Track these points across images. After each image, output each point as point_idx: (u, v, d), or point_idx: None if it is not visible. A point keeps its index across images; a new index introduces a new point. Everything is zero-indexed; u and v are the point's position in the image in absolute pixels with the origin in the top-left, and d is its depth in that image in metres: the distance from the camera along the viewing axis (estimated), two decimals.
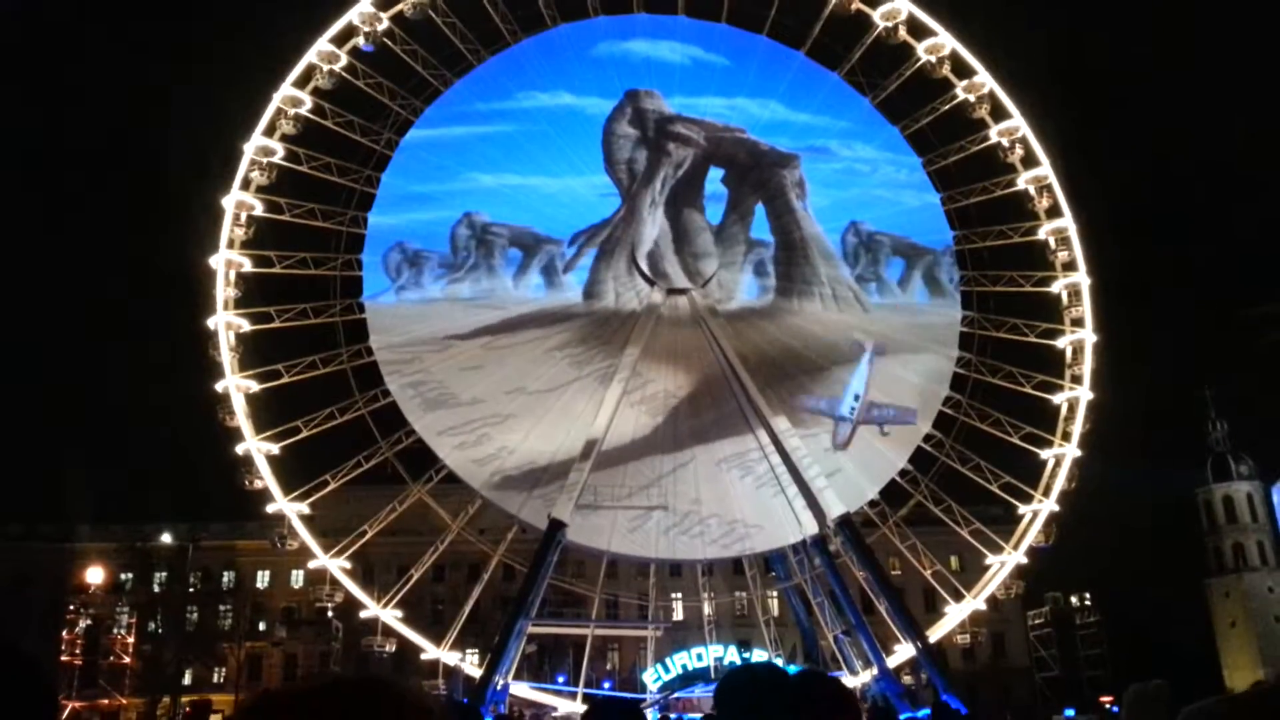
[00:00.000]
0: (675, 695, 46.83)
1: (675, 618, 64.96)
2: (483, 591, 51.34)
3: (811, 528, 48.03)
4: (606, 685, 64.44)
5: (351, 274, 47.57)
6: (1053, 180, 51.88)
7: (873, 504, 50.40)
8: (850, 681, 49.34)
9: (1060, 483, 49.47)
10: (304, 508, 45.92)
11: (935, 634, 50.39)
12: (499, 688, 44.43)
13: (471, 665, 49.30)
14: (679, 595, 66.60)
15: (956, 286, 52.52)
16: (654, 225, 50.84)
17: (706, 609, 56.87)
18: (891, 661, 48.12)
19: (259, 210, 46.93)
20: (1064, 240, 51.72)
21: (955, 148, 52.94)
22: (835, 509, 47.55)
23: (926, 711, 37.28)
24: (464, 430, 46.92)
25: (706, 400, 49.17)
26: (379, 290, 48.05)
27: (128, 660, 74.02)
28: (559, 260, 49.87)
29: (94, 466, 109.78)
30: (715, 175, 52.04)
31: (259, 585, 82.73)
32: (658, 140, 51.42)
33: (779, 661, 49.26)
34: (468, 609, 49.43)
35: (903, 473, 49.87)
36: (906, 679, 51.35)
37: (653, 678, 48.68)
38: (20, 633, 64.89)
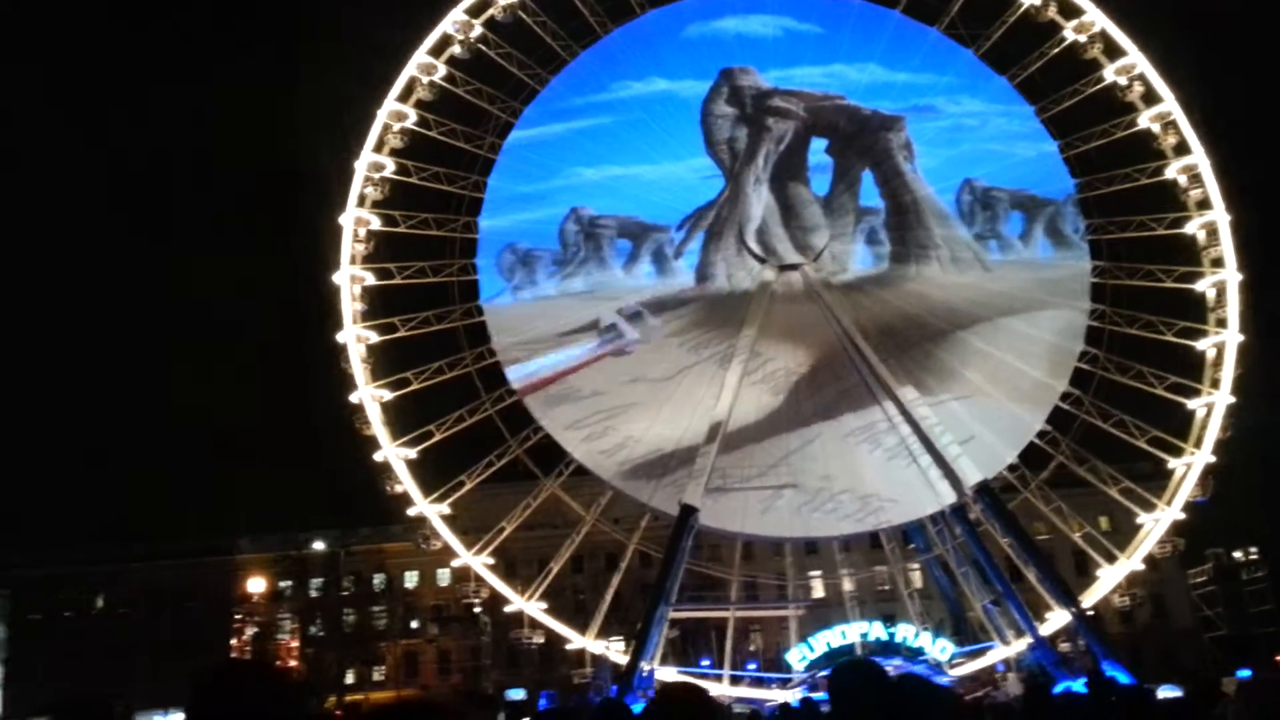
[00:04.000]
0: (822, 674, 46.40)
1: (815, 596, 64.26)
2: (621, 580, 51.90)
3: (949, 497, 46.84)
4: (752, 667, 64.30)
5: (468, 279, 48.72)
6: (1177, 115, 49.01)
7: (1012, 468, 48.73)
8: (1003, 652, 48.09)
9: (1213, 432, 46.85)
10: (444, 508, 47.31)
11: (1090, 599, 48.51)
12: (644, 674, 44.89)
13: (616, 653, 49.95)
14: (817, 573, 65.91)
15: (1083, 236, 50.25)
16: (760, 202, 50.36)
17: (846, 585, 56.07)
18: (1044, 629, 46.57)
19: (376, 224, 48.48)
20: (1195, 177, 48.84)
21: (1069, 92, 50.53)
22: (972, 476, 46.24)
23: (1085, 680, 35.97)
24: (589, 423, 47.51)
25: (828, 374, 48.46)
26: (496, 292, 49.06)
27: (294, 664, 77.90)
28: (668, 247, 49.93)
29: (251, 480, 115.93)
30: (818, 146, 51.13)
31: (409, 585, 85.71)
32: (756, 117, 50.83)
33: (927, 635, 48.29)
34: (608, 598, 50.06)
35: (1041, 434, 48.08)
36: (1064, 646, 49.58)
37: (798, 658, 48.35)
38: (193, 641, 69.07)
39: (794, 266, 49.56)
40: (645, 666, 44.96)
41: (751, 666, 64.48)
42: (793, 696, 41.09)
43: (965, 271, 50.31)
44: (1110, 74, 49.64)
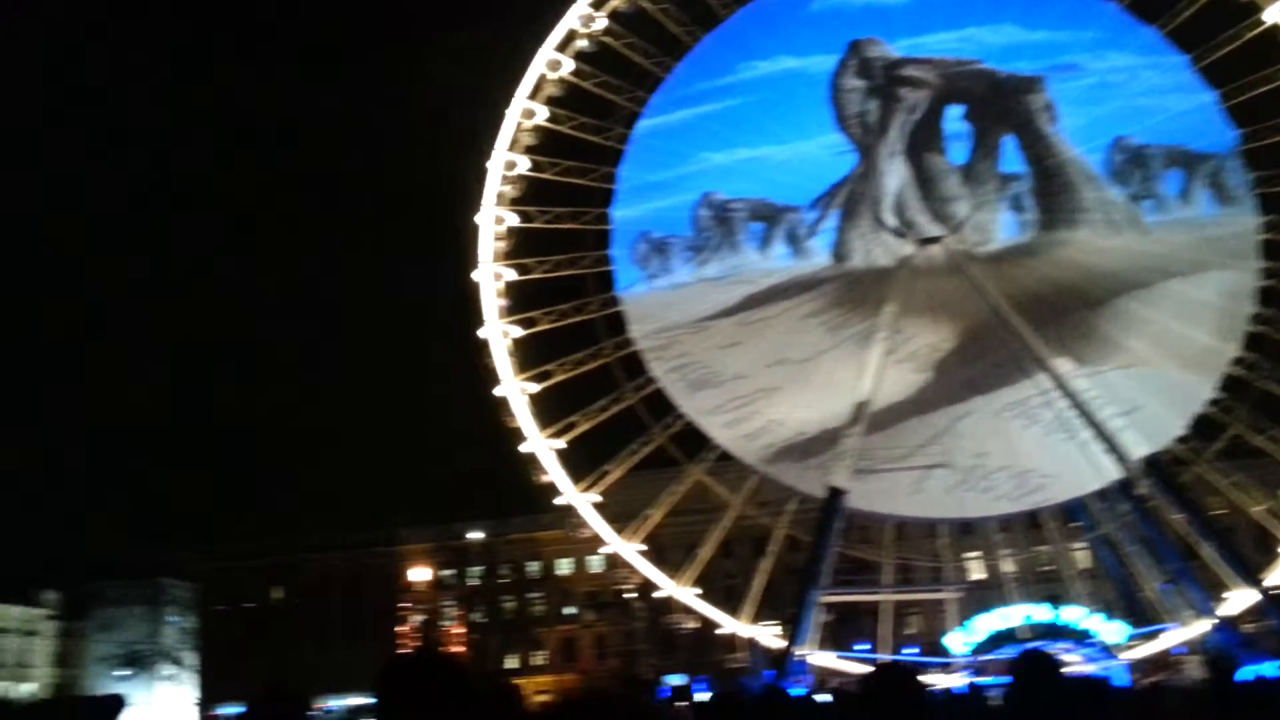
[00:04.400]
0: (986, 657, 45.07)
1: (972, 578, 62.27)
2: (771, 564, 51.68)
3: (1113, 472, 44.55)
4: (910, 651, 62.91)
5: (604, 269, 49.31)
6: None
7: (1182, 440, 45.95)
8: (1182, 634, 45.51)
9: None
10: (592, 496, 48.15)
11: (1273, 577, 45.33)
12: (799, 659, 44.63)
13: (770, 637, 49.80)
14: (974, 554, 63.86)
15: (1249, 191, 46.77)
16: (896, 176, 48.96)
17: (1006, 566, 54.14)
18: (1222, 610, 43.80)
19: (512, 221, 49.58)
20: None
21: (1225, 39, 47.03)
22: (1138, 449, 43.86)
23: (1275, 663, 33.77)
24: (731, 408, 47.41)
25: (976, 349, 46.78)
26: (632, 281, 49.47)
27: (459, 649, 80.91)
28: (802, 227, 49.18)
29: (411, 475, 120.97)
30: (954, 114, 49.25)
31: (563, 572, 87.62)
32: (888, 88, 49.34)
33: (1097, 617, 46.22)
34: (757, 583, 49.92)
35: (1212, 402, 45.16)
36: (1247, 628, 46.58)
37: (959, 642, 47.07)
38: (364, 629, 72.70)
39: (934, 239, 47.99)
40: (799, 651, 44.73)
41: (910, 651, 63.11)
42: (956, 681, 40.09)
43: (1120, 235, 47.60)
44: (1271, 15, 46.00)
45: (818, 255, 49.04)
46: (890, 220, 48.55)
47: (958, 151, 49.07)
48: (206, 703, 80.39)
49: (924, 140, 49.13)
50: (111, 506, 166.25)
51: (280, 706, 4.05)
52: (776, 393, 47.30)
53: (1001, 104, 48.93)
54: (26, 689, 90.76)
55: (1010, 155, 48.75)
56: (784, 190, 49.27)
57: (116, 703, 2.82)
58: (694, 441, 48.65)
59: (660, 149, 49.85)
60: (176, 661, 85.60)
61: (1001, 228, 48.56)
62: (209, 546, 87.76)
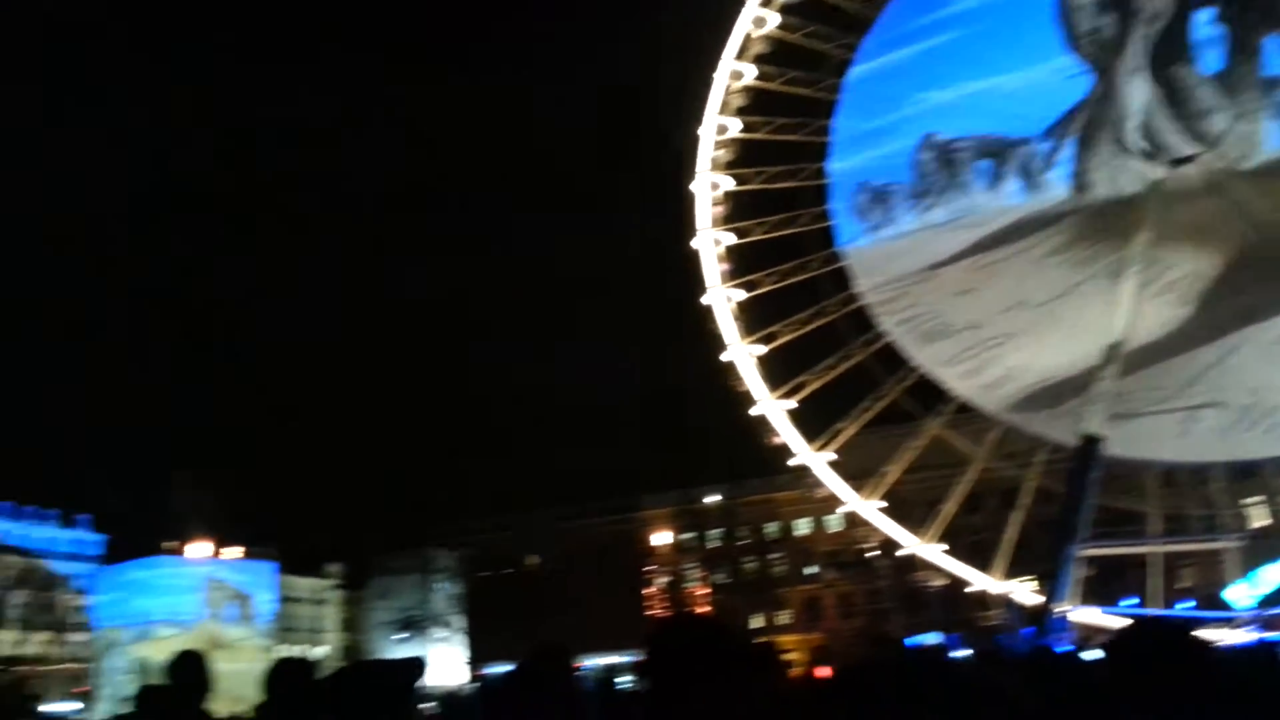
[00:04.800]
0: (1276, 611, 41.25)
1: (1253, 526, 56.96)
2: (1022, 517, 49.36)
3: None
4: (1185, 605, 58.45)
5: (824, 225, 48.36)
6: None
7: None
8: None
9: None
10: (827, 455, 47.67)
11: None
12: (1059, 616, 42.53)
13: (1026, 593, 47.71)
14: (1256, 499, 58.36)
15: None
16: (1139, 94, 44.78)
17: None
18: None
19: (730, 185, 49.45)
20: None
21: None
22: None
23: None
24: (967, 357, 45.43)
25: (1245, 276, 42.29)
26: (854, 235, 48.20)
27: (703, 610, 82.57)
28: (1035, 160, 45.99)
29: (650, 442, 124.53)
30: (1203, 18, 44.44)
31: (802, 532, 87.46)
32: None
33: None
34: (1008, 537, 47.85)
35: None
36: None
37: (1242, 594, 43.29)
38: (612, 593, 75.49)
39: (1189, 159, 43.67)
40: (1059, 608, 42.65)
41: (1185, 605, 58.66)
42: (1240, 637, 37.11)
43: None
44: None
45: (1055, 188, 45.79)
46: (1136, 143, 44.61)
47: (1210, 59, 44.32)
48: (474, 662, 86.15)
49: (1169, 52, 44.64)
50: (383, 483, 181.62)
51: (550, 664, 4.22)
52: (1016, 338, 44.84)
53: (1262, 1, 43.73)
54: (319, 651, 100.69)
55: (1274, 58, 43.55)
56: (1012, 123, 46.24)
57: (419, 665, 3.03)
58: (930, 394, 47.18)
59: (875, 95, 48.09)
60: (447, 624, 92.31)
61: (1268, 139, 43.57)
62: (474, 520, 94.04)
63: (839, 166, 48.27)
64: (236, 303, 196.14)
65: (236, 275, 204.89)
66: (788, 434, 47.59)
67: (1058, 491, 46.53)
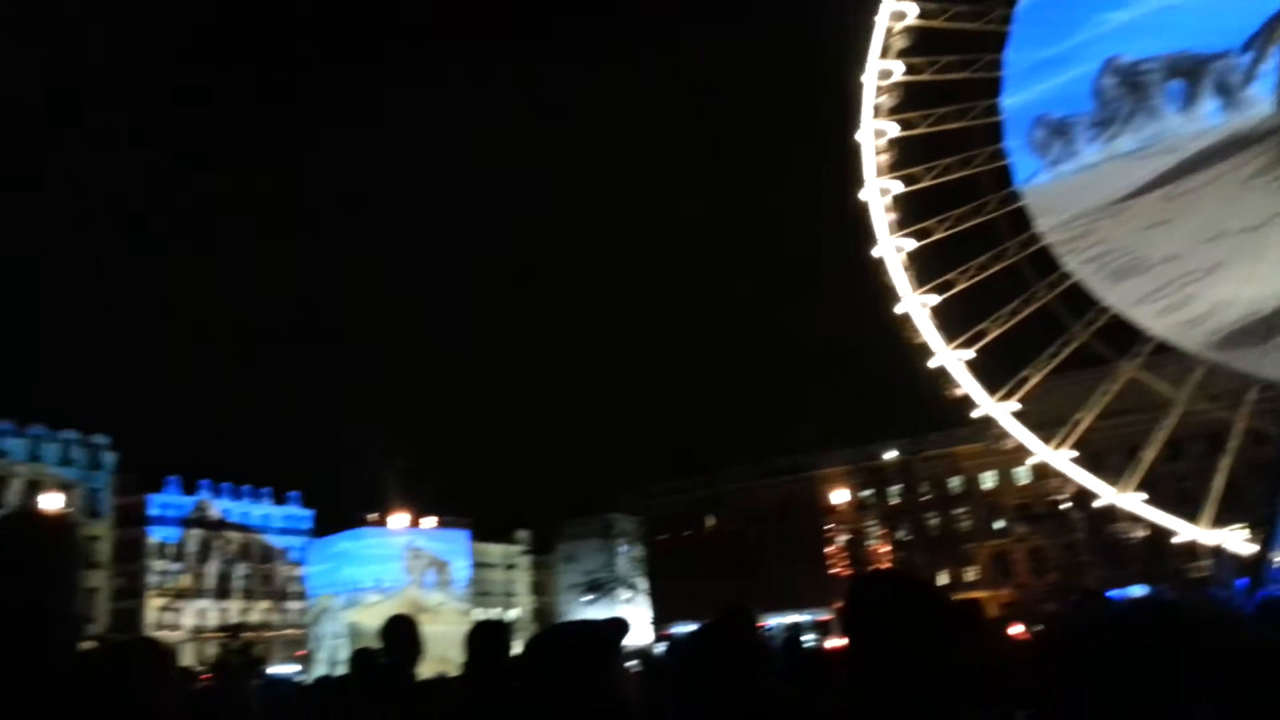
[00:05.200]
0: None
1: None
2: (1231, 461, 46.10)
3: None
4: None
5: (999, 165, 46.08)
6: None
7: None
8: None
9: None
10: (1012, 405, 45.80)
11: None
12: (1276, 565, 39.63)
13: (1236, 543, 44.63)
14: None
15: None
16: None
17: None
18: None
19: (896, 132, 47.76)
20: None
21: None
22: None
23: None
24: (1164, 294, 42.46)
25: None
26: (1032, 172, 45.68)
27: (883, 566, 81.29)
28: (1234, 75, 42.16)
29: (823, 397, 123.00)
30: None
31: (987, 486, 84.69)
32: None
33: None
34: (1217, 483, 44.79)
35: None
36: None
37: None
38: (792, 552, 75.27)
39: None
40: (1277, 557, 39.76)
41: None
42: None
43: None
44: None
45: (1258, 104, 41.88)
46: None
47: None
48: (658, 622, 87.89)
49: None
50: (567, 450, 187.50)
51: (736, 623, 4.20)
52: (1219, 270, 41.54)
53: None
54: (512, 614, 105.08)
55: None
56: (1206, 37, 42.51)
57: (624, 625, 3.10)
58: (1123, 336, 44.50)
59: (1049, 21, 45.20)
60: (631, 586, 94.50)
61: None
62: (654, 484, 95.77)
63: (1012, 101, 45.78)
64: (415, 291, 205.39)
65: (414, 270, 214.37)
66: (969, 385, 45.92)
67: (1270, 433, 43.34)
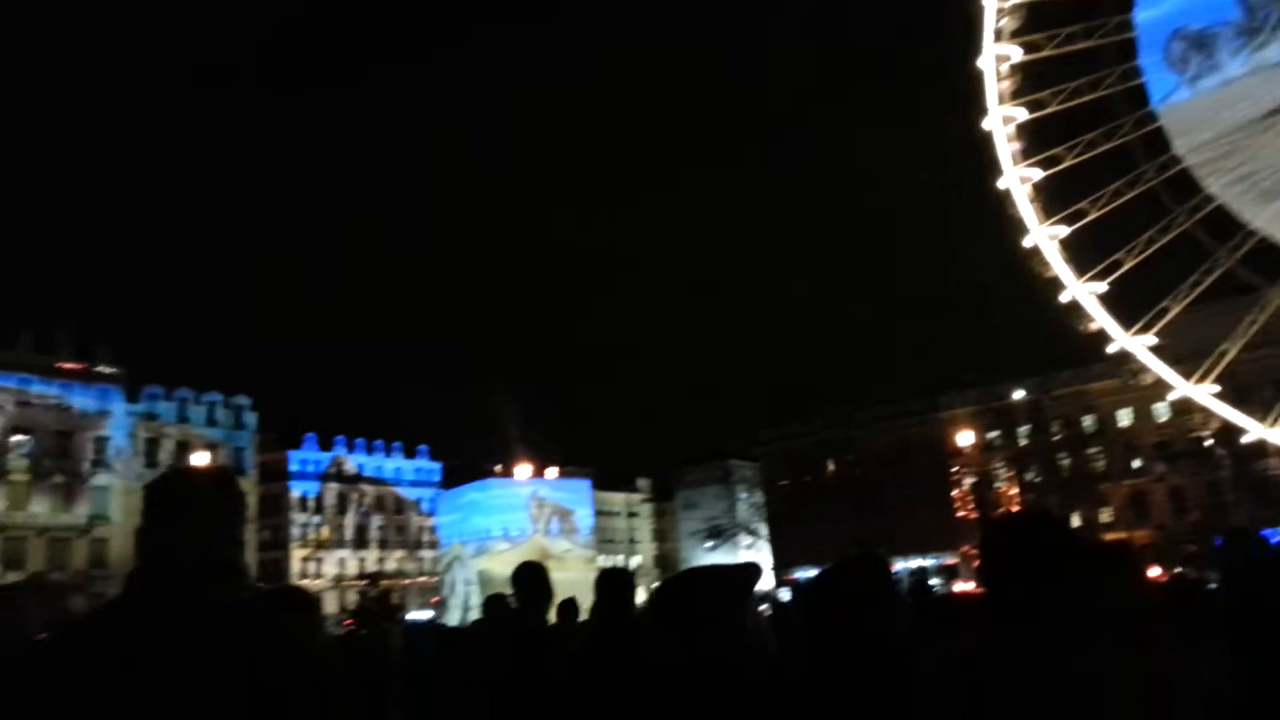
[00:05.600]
0: None
1: None
2: None
3: None
4: None
5: (1133, 84, 43.45)
6: None
7: None
8: None
9: None
10: (1149, 339, 43.63)
11: None
12: None
13: None
14: None
15: None
16: None
17: None
18: None
19: (1019, 56, 45.43)
20: None
21: None
22: None
23: None
24: None
25: None
26: (1169, 90, 42.97)
27: (1015, 509, 79.16)
28: None
29: (945, 336, 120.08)
30: None
31: (1123, 423, 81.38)
32: None
33: None
34: None
35: None
36: None
37: None
38: (915, 496, 73.97)
39: None
40: None
41: None
42: None
43: None
44: None
45: None
46: None
47: None
48: (780, 567, 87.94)
49: None
50: (685, 397, 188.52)
51: (864, 567, 4.12)
52: None
53: None
54: (635, 560, 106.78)
55: None
56: None
57: (756, 570, 3.03)
58: (1272, 260, 41.69)
59: None
60: (752, 532, 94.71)
61: None
62: (772, 430, 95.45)
63: (1145, 15, 43.00)
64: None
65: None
66: (1103, 319, 43.87)
67: None
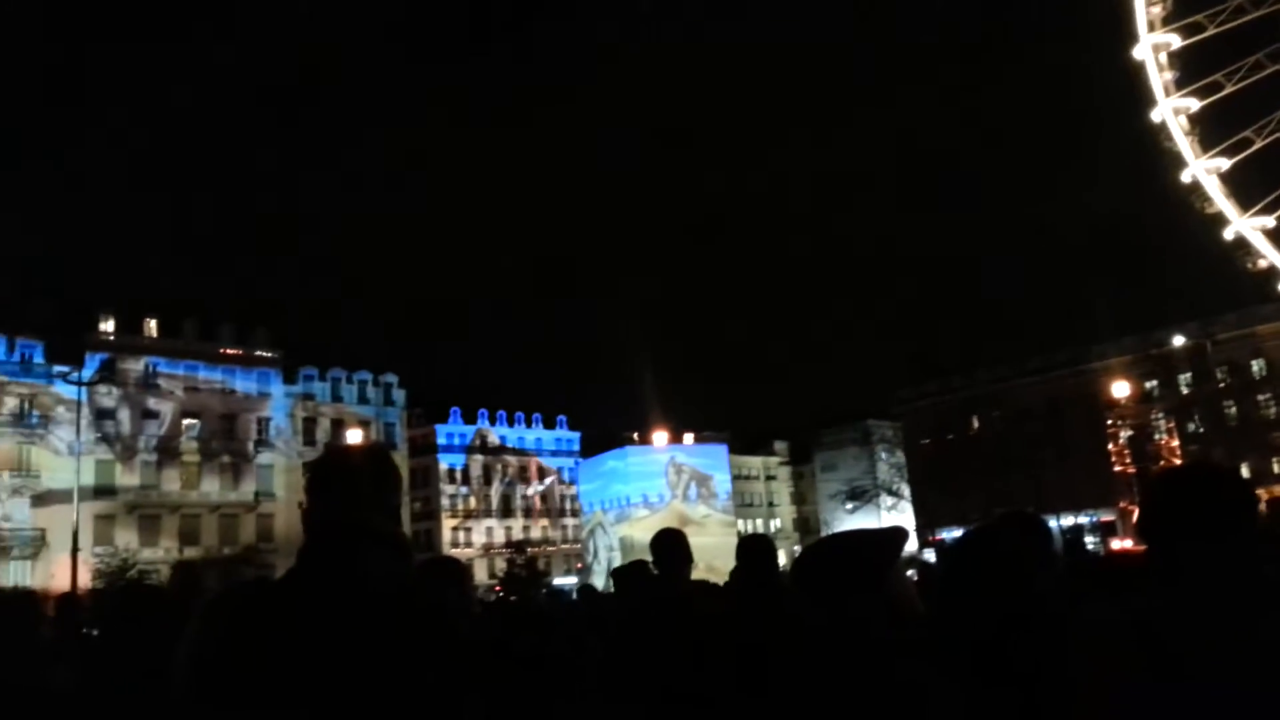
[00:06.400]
0: None
1: None
2: None
3: None
4: None
5: None
6: None
7: None
8: None
9: None
10: None
11: None
12: None
13: None
14: None
15: None
16: None
17: None
18: None
19: None
20: None
21: None
22: None
23: None
24: None
25: None
26: None
27: (1177, 462, 75.06)
28: None
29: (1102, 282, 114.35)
30: None
31: None
32: None
33: None
34: None
35: None
36: None
37: None
38: (1067, 451, 70.94)
39: None
40: None
41: None
42: None
43: None
44: None
45: None
46: None
47: None
48: (925, 528, 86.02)
49: None
50: (820, 359, 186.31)
51: (1021, 526, 4.00)
52: None
53: None
54: (774, 524, 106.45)
55: None
56: None
57: (902, 534, 2.95)
58: None
59: None
60: (894, 493, 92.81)
61: None
62: (912, 390, 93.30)
63: None
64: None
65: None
66: (1272, 255, 40.91)
67: None
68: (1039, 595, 2.96)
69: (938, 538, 77.89)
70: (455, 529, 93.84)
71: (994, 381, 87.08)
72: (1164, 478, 2.82)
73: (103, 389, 66.94)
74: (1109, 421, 78.61)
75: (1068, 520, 67.06)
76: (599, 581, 62.69)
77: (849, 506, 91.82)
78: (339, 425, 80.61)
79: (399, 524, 2.59)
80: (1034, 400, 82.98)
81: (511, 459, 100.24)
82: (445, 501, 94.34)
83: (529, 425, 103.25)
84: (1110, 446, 77.43)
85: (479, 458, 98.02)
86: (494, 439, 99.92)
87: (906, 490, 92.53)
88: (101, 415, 69.31)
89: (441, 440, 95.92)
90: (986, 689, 2.66)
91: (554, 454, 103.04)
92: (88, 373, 61.14)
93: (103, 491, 67.35)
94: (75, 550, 43.95)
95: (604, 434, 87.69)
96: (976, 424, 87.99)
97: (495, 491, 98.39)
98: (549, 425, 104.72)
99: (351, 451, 2.99)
